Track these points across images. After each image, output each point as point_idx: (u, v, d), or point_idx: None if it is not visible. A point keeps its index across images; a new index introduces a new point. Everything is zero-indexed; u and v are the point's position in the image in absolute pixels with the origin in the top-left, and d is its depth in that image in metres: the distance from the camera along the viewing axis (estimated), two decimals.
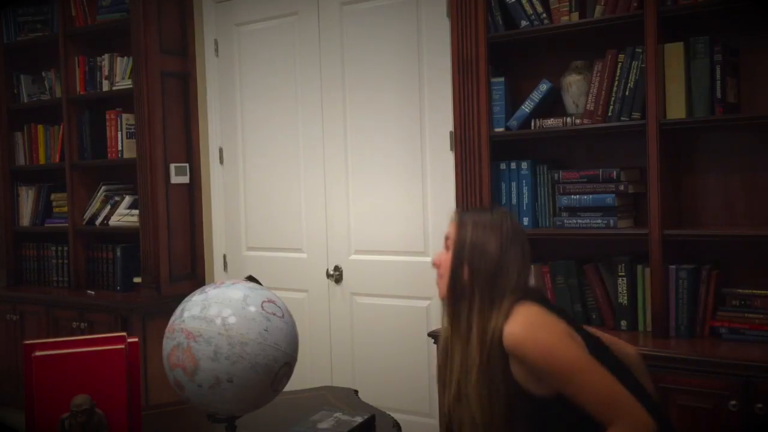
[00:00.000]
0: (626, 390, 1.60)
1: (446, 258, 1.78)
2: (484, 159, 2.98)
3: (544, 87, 2.96)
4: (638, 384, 1.76)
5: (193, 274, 4.27)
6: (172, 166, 4.18)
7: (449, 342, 1.77)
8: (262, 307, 1.74)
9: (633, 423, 1.57)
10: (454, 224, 1.80)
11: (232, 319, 1.70)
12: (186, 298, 1.80)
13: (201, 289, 1.82)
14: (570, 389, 1.60)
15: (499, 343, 1.64)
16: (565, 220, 2.90)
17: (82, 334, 3.91)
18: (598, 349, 1.71)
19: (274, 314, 1.76)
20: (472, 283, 1.72)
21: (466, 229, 1.76)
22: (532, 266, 3.02)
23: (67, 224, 4.52)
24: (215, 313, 1.71)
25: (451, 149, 3.27)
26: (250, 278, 1.90)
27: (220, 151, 4.23)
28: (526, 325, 1.64)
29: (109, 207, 4.41)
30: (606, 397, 1.58)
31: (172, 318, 1.77)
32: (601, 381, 1.60)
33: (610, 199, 2.80)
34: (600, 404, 1.58)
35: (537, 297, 1.75)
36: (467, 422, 1.69)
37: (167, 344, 1.75)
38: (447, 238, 1.80)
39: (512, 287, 1.71)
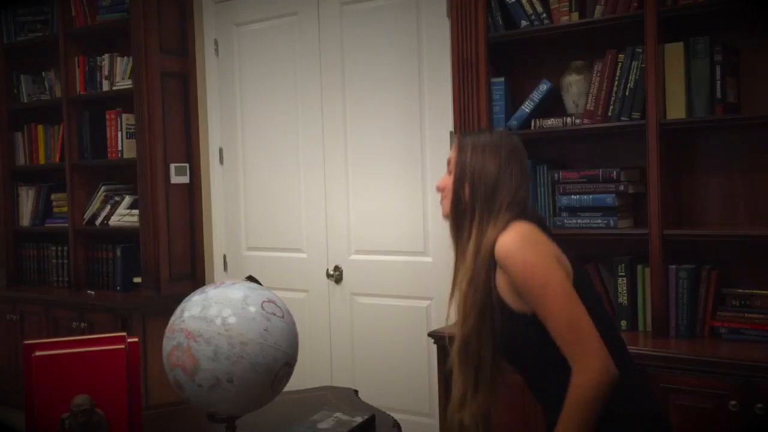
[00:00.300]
0: (596, 331, 1.61)
1: (449, 181, 1.86)
2: None
3: (544, 87, 2.96)
4: (613, 328, 1.76)
5: (193, 274, 4.27)
6: (172, 166, 4.18)
7: (455, 258, 1.84)
8: (262, 307, 1.74)
9: (590, 364, 1.58)
10: (455, 148, 1.87)
11: (232, 319, 1.70)
12: (186, 298, 1.80)
13: (201, 289, 1.82)
14: (541, 311, 1.63)
15: (490, 251, 1.70)
16: (565, 220, 2.90)
17: (82, 334, 3.91)
18: (583, 283, 1.72)
19: (274, 314, 1.76)
20: (473, 201, 1.78)
21: (466, 152, 1.83)
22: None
23: (67, 224, 4.52)
24: (215, 313, 1.70)
25: (451, 149, 3.26)
26: (250, 278, 1.90)
27: (220, 151, 4.23)
28: (517, 239, 1.67)
29: (109, 207, 4.41)
30: (571, 331, 1.60)
31: (172, 318, 1.77)
32: (571, 312, 1.61)
33: (610, 199, 2.80)
34: (564, 336, 1.60)
35: (535, 218, 1.80)
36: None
37: (167, 344, 1.75)
38: (449, 162, 1.87)
39: (510, 201, 1.76)
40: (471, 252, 1.75)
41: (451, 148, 1.91)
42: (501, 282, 1.70)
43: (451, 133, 3.28)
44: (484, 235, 1.73)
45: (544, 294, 1.62)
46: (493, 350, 1.72)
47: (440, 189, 1.89)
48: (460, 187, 1.81)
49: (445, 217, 1.87)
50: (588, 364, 1.58)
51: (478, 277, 1.71)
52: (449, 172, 1.86)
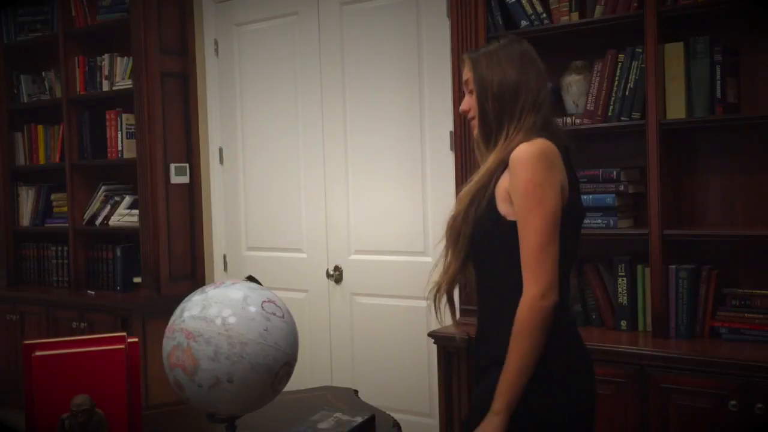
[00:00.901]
0: (557, 266, 1.68)
1: (472, 101, 1.86)
2: None
3: None
4: (569, 271, 1.84)
5: (193, 274, 4.27)
6: (172, 166, 4.18)
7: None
8: (262, 307, 1.74)
9: (539, 287, 1.67)
10: (468, 66, 1.87)
11: (232, 319, 1.70)
12: (186, 298, 1.80)
13: (201, 289, 1.82)
14: (523, 225, 1.69)
15: (507, 155, 1.74)
16: None
17: (82, 334, 3.91)
18: (571, 219, 1.78)
19: (274, 314, 1.75)
20: (500, 113, 1.80)
21: (482, 66, 1.83)
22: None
23: (67, 224, 4.52)
24: (215, 313, 1.70)
25: (451, 149, 3.27)
26: (250, 278, 1.90)
27: (220, 151, 4.23)
28: (537, 153, 1.71)
29: (109, 207, 4.41)
30: (538, 253, 1.67)
31: (172, 318, 1.77)
32: (546, 238, 1.68)
33: (610, 199, 2.80)
34: (529, 254, 1.68)
35: (560, 141, 1.81)
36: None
37: (167, 344, 1.74)
38: (467, 82, 1.88)
39: (534, 100, 1.80)
40: (495, 152, 1.79)
41: (464, 70, 1.89)
42: (502, 184, 1.75)
43: (451, 132, 3.28)
44: (510, 143, 1.77)
45: (533, 212, 1.68)
46: (472, 233, 1.79)
47: (465, 111, 1.89)
48: (485, 102, 1.82)
49: (476, 141, 1.89)
50: (538, 285, 1.67)
51: (489, 173, 1.77)
52: (469, 92, 1.87)
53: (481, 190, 1.78)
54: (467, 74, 1.87)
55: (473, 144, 2.96)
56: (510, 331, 1.69)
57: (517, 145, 1.74)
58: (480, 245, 1.79)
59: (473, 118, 1.87)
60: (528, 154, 1.70)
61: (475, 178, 1.81)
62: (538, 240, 1.67)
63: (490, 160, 1.79)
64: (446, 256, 1.85)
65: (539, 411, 1.71)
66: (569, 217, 1.75)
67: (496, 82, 1.81)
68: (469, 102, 1.87)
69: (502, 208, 1.74)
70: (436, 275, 1.86)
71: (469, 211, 1.79)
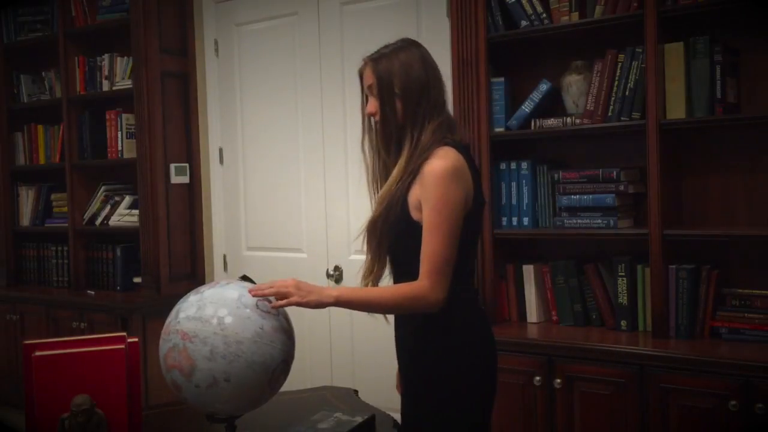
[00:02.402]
0: (450, 274, 1.84)
1: (376, 104, 1.93)
2: (484, 159, 2.98)
3: (544, 87, 2.96)
4: (473, 264, 2.07)
5: (193, 274, 4.27)
6: (172, 166, 4.18)
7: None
8: (257, 305, 1.75)
9: (428, 290, 1.82)
10: (368, 69, 1.94)
11: (228, 319, 1.70)
12: (181, 299, 1.80)
13: (196, 289, 1.82)
14: (428, 231, 1.83)
15: (420, 164, 1.86)
16: (565, 220, 2.90)
17: (82, 334, 3.91)
18: (474, 220, 1.94)
19: (269, 312, 1.76)
20: (405, 116, 1.90)
21: (384, 69, 1.91)
22: (533, 266, 3.03)
23: (67, 224, 4.52)
24: (211, 313, 1.71)
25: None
26: (245, 278, 1.91)
27: (220, 151, 4.22)
28: (448, 169, 1.84)
29: (109, 207, 4.41)
30: (436, 260, 1.83)
31: (168, 319, 1.77)
32: (446, 250, 1.83)
33: (610, 199, 2.80)
34: (428, 258, 1.83)
35: (462, 144, 1.95)
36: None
37: (163, 346, 1.74)
38: (370, 87, 1.94)
39: (435, 104, 1.92)
40: (404, 158, 1.89)
41: (364, 77, 1.97)
42: (414, 192, 1.87)
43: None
44: (418, 145, 1.88)
45: (440, 228, 1.83)
46: (389, 234, 1.92)
47: (372, 113, 1.95)
48: (387, 105, 1.90)
49: (381, 143, 1.98)
50: (433, 291, 1.82)
51: (402, 182, 1.88)
52: (375, 97, 1.93)
53: (394, 196, 1.89)
54: (370, 78, 1.93)
55: (473, 146, 2.98)
56: (421, 321, 1.90)
57: (428, 156, 1.86)
58: (395, 245, 1.93)
59: (380, 121, 1.94)
60: (441, 171, 1.83)
61: (389, 184, 1.91)
62: (440, 252, 1.82)
63: (399, 168, 1.89)
64: (369, 254, 1.99)
65: (448, 378, 1.90)
66: (474, 209, 1.91)
67: (398, 85, 1.89)
68: (374, 105, 1.93)
69: (415, 214, 1.88)
70: (363, 272, 2.00)
71: (386, 215, 1.91)
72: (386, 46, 1.97)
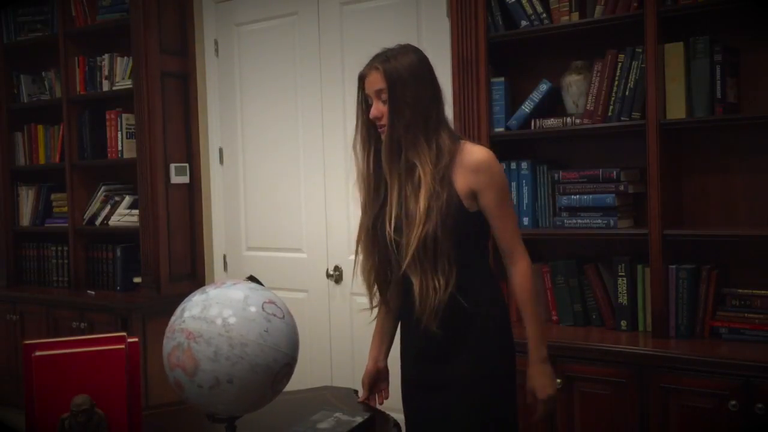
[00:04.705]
0: None
1: (383, 108, 1.93)
2: None
3: (544, 87, 2.96)
4: None
5: (193, 274, 4.27)
6: (172, 166, 4.18)
7: (380, 185, 1.99)
8: (262, 307, 1.74)
9: (526, 254, 2.01)
10: (376, 74, 1.94)
11: (232, 320, 1.69)
12: (186, 298, 1.80)
13: (201, 289, 1.81)
14: (499, 212, 1.94)
15: (453, 157, 1.91)
16: (565, 220, 2.90)
17: (82, 334, 3.91)
18: None
19: (275, 315, 1.75)
20: (415, 124, 1.90)
21: (392, 71, 1.92)
22: (533, 265, 3.02)
23: (67, 224, 4.52)
24: (216, 314, 1.70)
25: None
26: (251, 278, 1.90)
27: (220, 151, 4.23)
28: (491, 154, 1.96)
29: (109, 207, 4.41)
30: (516, 231, 2.00)
31: (173, 318, 1.77)
32: (516, 219, 2.03)
33: (610, 199, 2.80)
34: (512, 233, 1.98)
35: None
36: (413, 235, 1.88)
37: (167, 344, 1.74)
38: (379, 91, 1.94)
39: (442, 109, 1.98)
40: (428, 165, 1.88)
41: (370, 81, 1.96)
42: (460, 183, 1.91)
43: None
44: (441, 151, 1.90)
45: (506, 201, 1.98)
46: (451, 241, 1.90)
47: (377, 117, 1.95)
48: (400, 115, 1.90)
49: (385, 147, 1.95)
50: (526, 256, 2.00)
51: (438, 184, 1.88)
52: (383, 101, 1.93)
53: (445, 202, 1.88)
54: (379, 83, 1.93)
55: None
56: (485, 312, 1.95)
57: (457, 150, 1.92)
58: (459, 247, 1.92)
59: (384, 125, 1.94)
60: (489, 155, 1.95)
61: (425, 197, 1.87)
62: (515, 225, 2.00)
63: (429, 176, 1.88)
64: (421, 276, 1.89)
65: (509, 353, 2.03)
66: None
67: (410, 94, 1.90)
68: (380, 109, 1.94)
69: (469, 204, 1.93)
70: (417, 299, 1.91)
71: (441, 225, 1.87)
72: (391, 50, 1.97)
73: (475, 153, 1.94)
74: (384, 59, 1.94)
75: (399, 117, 1.90)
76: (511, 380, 2.02)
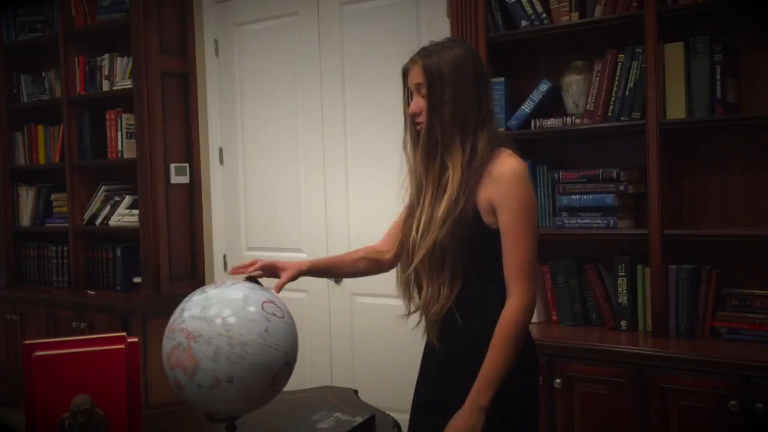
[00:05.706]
0: (534, 266, 1.81)
1: (423, 105, 1.84)
2: None
3: (544, 87, 2.96)
4: None
5: (193, 274, 4.27)
6: (172, 166, 4.18)
7: (421, 186, 1.88)
8: (262, 307, 1.74)
9: (528, 292, 1.78)
10: (417, 68, 1.85)
11: (232, 320, 1.69)
12: (186, 298, 1.80)
13: (201, 288, 1.81)
14: (513, 237, 1.77)
15: (485, 164, 1.79)
16: (565, 220, 2.90)
17: (82, 334, 3.91)
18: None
19: (275, 315, 1.75)
20: (453, 124, 1.80)
21: (433, 65, 1.82)
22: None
23: (67, 224, 4.52)
24: (215, 313, 1.70)
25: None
26: (250, 278, 1.90)
27: (220, 151, 4.22)
28: (523, 170, 1.80)
29: (109, 207, 4.41)
30: (527, 263, 1.78)
31: (172, 318, 1.77)
32: (533, 251, 1.79)
33: (610, 199, 2.80)
34: (520, 263, 1.78)
35: (512, 145, 1.87)
36: (426, 240, 1.81)
37: (167, 344, 1.74)
38: (419, 86, 1.85)
39: (487, 111, 1.84)
40: (458, 169, 1.79)
41: (412, 74, 1.88)
42: (484, 195, 1.79)
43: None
44: (474, 155, 1.79)
45: (525, 226, 1.78)
46: (462, 250, 1.80)
47: (416, 113, 1.87)
48: (438, 113, 1.81)
49: (424, 143, 1.87)
50: (526, 290, 1.78)
51: (462, 190, 1.78)
52: (422, 96, 1.85)
53: (462, 210, 1.78)
54: (419, 77, 1.84)
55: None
56: (486, 333, 1.79)
57: (490, 159, 1.79)
58: (470, 259, 1.82)
59: (422, 122, 1.85)
60: (521, 171, 1.79)
61: (447, 202, 1.79)
62: (528, 255, 1.78)
63: (455, 182, 1.79)
64: (430, 282, 1.83)
65: (522, 411, 1.84)
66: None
67: (449, 91, 1.81)
68: (419, 104, 1.85)
69: (488, 219, 1.80)
70: (422, 305, 1.87)
71: (452, 233, 1.79)
72: (436, 44, 1.89)
73: (502, 163, 1.79)
74: (426, 53, 1.85)
75: (437, 115, 1.81)
76: (512, 407, 1.82)
